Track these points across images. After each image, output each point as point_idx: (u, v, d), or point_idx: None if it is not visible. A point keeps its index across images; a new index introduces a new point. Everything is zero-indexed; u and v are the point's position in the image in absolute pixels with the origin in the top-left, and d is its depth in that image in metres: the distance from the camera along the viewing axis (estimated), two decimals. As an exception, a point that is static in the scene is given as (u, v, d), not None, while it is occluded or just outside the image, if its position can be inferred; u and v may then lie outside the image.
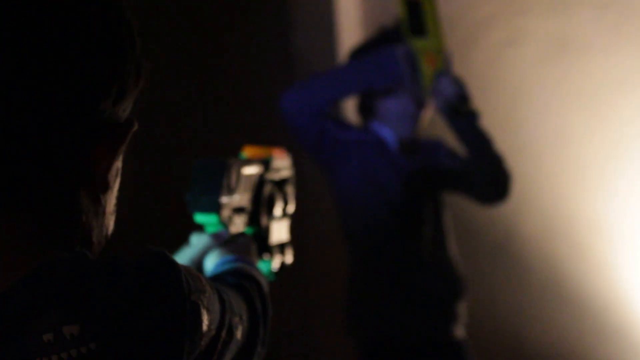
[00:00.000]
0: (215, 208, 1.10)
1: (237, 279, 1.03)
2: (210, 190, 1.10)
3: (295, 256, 1.30)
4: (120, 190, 0.87)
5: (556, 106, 3.47)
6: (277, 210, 1.23)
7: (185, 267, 0.81)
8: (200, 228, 1.18)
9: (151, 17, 2.89)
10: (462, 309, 2.58)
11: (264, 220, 1.21)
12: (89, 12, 0.79)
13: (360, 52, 2.64)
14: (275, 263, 1.24)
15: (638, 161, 3.36)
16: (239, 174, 1.14)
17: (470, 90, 2.53)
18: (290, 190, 1.26)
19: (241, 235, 1.16)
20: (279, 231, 1.24)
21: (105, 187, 0.83)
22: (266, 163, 1.21)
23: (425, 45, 2.49)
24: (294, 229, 1.29)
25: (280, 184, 1.25)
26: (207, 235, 1.15)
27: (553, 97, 3.47)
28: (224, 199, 1.11)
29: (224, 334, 0.86)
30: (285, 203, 1.25)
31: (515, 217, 3.47)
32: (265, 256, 1.22)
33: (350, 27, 3.54)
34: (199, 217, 1.12)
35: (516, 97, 3.51)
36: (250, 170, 1.17)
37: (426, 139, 2.66)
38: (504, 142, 3.49)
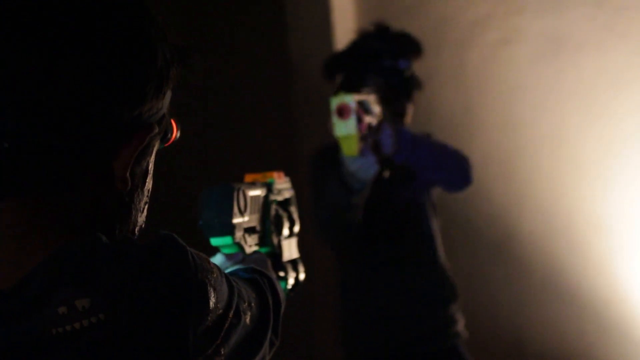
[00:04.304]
0: (229, 230, 1.15)
1: (249, 274, 1.08)
2: (222, 213, 1.15)
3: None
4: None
5: (552, 104, 3.49)
6: (285, 229, 1.29)
7: (193, 250, 0.87)
8: (215, 252, 1.23)
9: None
10: (457, 311, 2.60)
11: (274, 239, 1.27)
12: (111, 20, 0.85)
13: (336, 62, 2.59)
14: (290, 280, 1.30)
15: (635, 158, 3.39)
16: (246, 196, 1.20)
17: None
18: (293, 209, 1.32)
19: (256, 252, 1.22)
20: (289, 249, 1.30)
21: (125, 185, 0.88)
22: (269, 185, 1.27)
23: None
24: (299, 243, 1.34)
25: (284, 204, 1.31)
26: (222, 254, 1.22)
27: (549, 95, 3.50)
28: (236, 221, 1.16)
29: (231, 314, 0.90)
30: (291, 222, 1.31)
31: (514, 216, 3.50)
32: (280, 274, 1.28)
33: (346, 31, 3.56)
34: (214, 241, 1.17)
35: (512, 95, 3.53)
36: (256, 192, 1.24)
37: (413, 134, 2.56)
38: (501, 140, 3.53)
